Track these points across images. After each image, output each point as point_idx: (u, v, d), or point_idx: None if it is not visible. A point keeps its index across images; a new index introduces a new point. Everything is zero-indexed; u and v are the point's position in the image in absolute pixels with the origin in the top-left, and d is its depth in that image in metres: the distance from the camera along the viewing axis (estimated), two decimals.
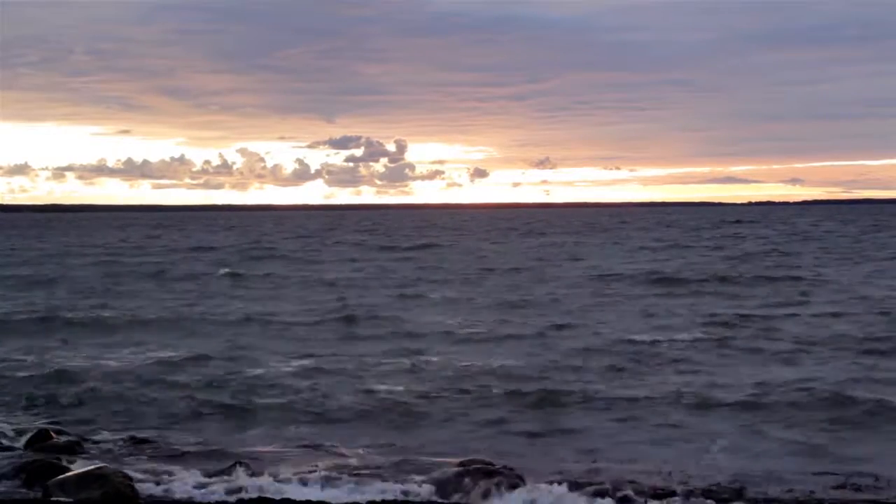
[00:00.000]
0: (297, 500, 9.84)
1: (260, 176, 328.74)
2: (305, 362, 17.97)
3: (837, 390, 14.61)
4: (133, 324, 23.68)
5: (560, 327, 21.99)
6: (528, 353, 18.73)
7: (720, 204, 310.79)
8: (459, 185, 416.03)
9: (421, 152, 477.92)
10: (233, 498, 9.99)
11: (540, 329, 21.75)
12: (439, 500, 9.93)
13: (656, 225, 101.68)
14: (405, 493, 10.28)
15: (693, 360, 17.77)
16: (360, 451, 12.11)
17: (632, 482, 10.42)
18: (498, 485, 9.95)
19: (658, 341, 19.69)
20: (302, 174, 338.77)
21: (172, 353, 18.99)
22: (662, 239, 67.45)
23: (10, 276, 37.77)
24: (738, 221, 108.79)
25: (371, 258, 49.17)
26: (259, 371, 17.17)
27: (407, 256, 50.21)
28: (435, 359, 18.19)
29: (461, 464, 10.49)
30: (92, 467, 10.47)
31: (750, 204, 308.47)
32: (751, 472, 10.91)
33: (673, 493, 10.08)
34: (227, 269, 39.90)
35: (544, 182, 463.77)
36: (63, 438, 12.40)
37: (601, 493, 9.94)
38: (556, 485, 10.09)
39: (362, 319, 23.59)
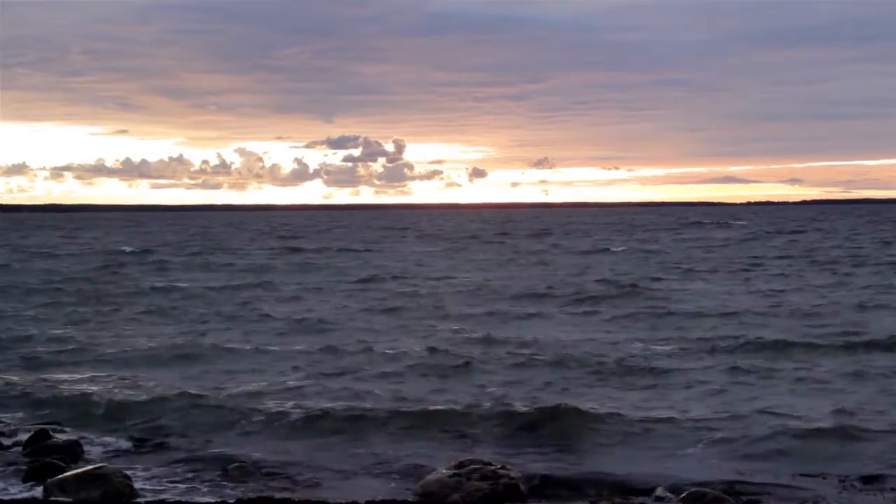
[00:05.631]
0: (297, 499, 9.86)
1: (258, 176, 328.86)
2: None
3: None
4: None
5: None
6: None
7: (719, 204, 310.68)
8: (458, 185, 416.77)
9: (419, 152, 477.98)
10: (232, 498, 10.00)
11: None
12: (437, 501, 9.94)
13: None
14: (402, 492, 10.33)
15: None
16: (361, 450, 12.18)
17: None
18: (494, 487, 9.98)
19: None
20: (300, 174, 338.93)
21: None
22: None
23: None
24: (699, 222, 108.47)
25: None
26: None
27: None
28: None
29: (459, 464, 10.50)
30: (91, 467, 10.48)
31: (749, 204, 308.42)
32: None
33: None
34: None
35: (543, 182, 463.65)
36: (62, 438, 12.40)
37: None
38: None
39: None
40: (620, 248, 56.57)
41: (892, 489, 10.40)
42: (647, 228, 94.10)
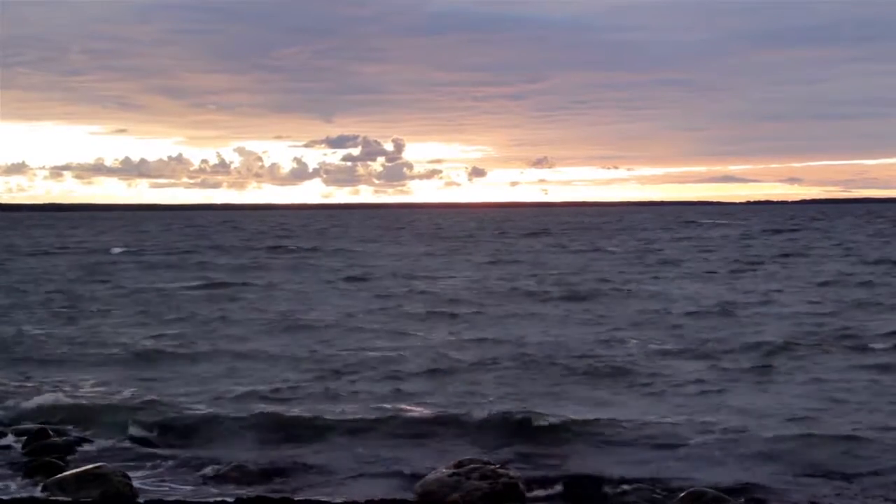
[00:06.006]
0: (296, 499, 9.87)
1: (258, 175, 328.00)
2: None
3: None
4: None
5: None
6: None
7: (718, 203, 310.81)
8: (457, 185, 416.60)
9: (418, 151, 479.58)
10: (231, 497, 10.01)
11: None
12: (436, 500, 9.95)
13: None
14: (402, 492, 10.35)
15: None
16: (360, 450, 12.20)
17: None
18: (493, 486, 9.98)
19: None
20: (299, 173, 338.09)
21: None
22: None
23: None
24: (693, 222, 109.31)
25: None
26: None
27: None
28: None
29: (458, 464, 10.51)
30: (90, 466, 10.48)
31: (748, 203, 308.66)
32: None
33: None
34: None
35: (542, 181, 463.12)
36: (62, 438, 12.41)
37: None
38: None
39: None
40: (617, 248, 56.64)
41: (892, 485, 10.43)
42: (644, 227, 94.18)
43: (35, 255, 53.43)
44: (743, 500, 10.03)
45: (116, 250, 58.73)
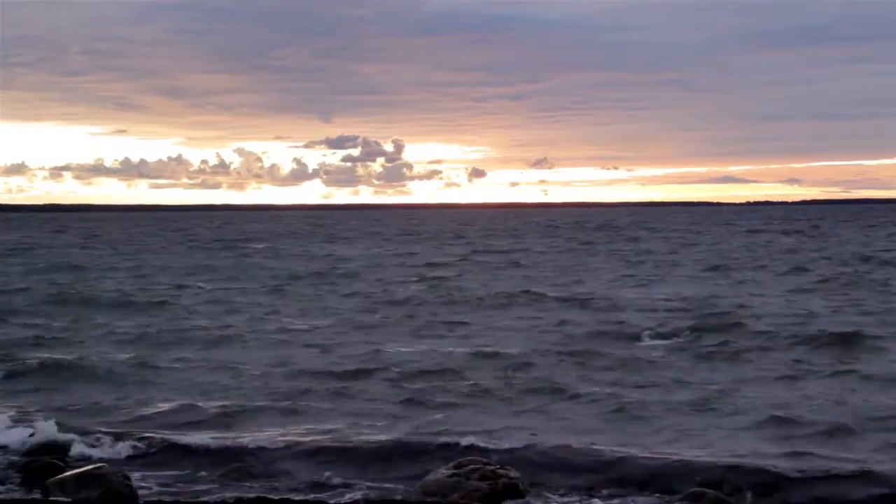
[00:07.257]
0: (296, 500, 9.88)
1: (257, 176, 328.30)
2: None
3: None
4: None
5: None
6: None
7: (718, 204, 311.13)
8: (457, 185, 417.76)
9: (418, 152, 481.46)
10: (232, 498, 10.02)
11: None
12: (435, 501, 9.95)
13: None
14: (402, 492, 10.36)
15: None
16: (358, 451, 12.19)
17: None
18: (493, 486, 9.98)
19: None
20: (299, 174, 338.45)
21: None
22: None
23: None
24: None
25: None
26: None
27: None
28: None
29: (458, 465, 10.51)
30: (90, 467, 10.47)
31: (748, 204, 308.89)
32: None
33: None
34: None
35: (542, 182, 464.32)
36: (62, 438, 12.41)
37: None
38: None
39: None
40: (606, 248, 56.65)
41: (891, 485, 10.44)
42: (637, 227, 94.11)
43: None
44: (743, 500, 10.03)
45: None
